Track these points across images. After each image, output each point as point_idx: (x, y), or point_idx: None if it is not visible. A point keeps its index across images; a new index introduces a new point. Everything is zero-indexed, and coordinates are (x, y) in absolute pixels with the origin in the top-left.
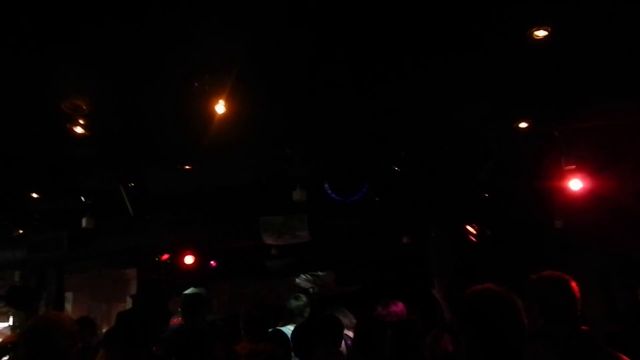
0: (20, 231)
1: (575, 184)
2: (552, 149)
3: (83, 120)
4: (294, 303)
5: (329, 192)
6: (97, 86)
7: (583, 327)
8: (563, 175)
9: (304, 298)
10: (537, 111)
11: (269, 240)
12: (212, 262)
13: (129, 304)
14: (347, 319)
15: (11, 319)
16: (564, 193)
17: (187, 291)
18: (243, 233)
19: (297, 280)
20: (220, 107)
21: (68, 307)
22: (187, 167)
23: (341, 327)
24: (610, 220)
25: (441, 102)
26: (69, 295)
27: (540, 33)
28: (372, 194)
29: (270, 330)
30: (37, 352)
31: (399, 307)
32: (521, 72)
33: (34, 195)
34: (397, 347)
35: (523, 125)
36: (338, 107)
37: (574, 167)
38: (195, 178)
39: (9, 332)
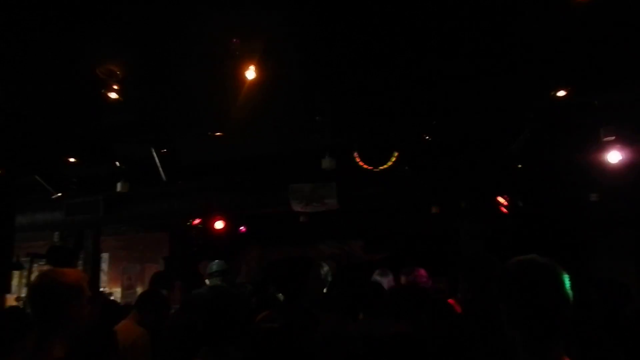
0: (59, 194)
1: (614, 156)
2: (590, 119)
3: (117, 85)
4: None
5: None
6: (131, 52)
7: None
8: (601, 147)
9: (326, 265)
10: (577, 79)
11: (297, 208)
12: (241, 228)
13: (161, 265)
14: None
15: None
16: (601, 165)
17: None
18: (272, 200)
19: (325, 247)
20: (250, 73)
21: (104, 267)
22: (217, 133)
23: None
24: None
25: (476, 70)
26: (105, 255)
27: None
28: (402, 163)
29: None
30: (36, 303)
31: (422, 274)
32: (561, 37)
33: (72, 160)
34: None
35: (561, 93)
36: (369, 77)
37: (613, 138)
38: (226, 146)
39: None
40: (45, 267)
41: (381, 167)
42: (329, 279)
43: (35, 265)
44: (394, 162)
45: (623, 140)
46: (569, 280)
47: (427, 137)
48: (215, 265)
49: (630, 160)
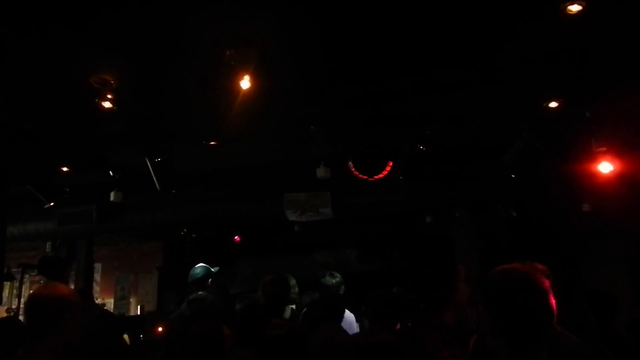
0: (51, 204)
1: (605, 167)
2: (582, 130)
3: (111, 95)
4: (330, 280)
5: (353, 170)
6: (125, 61)
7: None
8: (593, 157)
9: (338, 276)
10: (568, 90)
11: (292, 217)
12: (236, 237)
13: (155, 275)
14: None
15: None
16: (593, 175)
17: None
18: (267, 209)
19: (319, 256)
20: (245, 83)
21: (97, 277)
22: (212, 142)
23: (342, 307)
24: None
25: (469, 80)
26: (97, 266)
27: (574, 8)
28: (396, 173)
29: (304, 310)
30: (32, 314)
31: None
32: (552, 49)
33: (64, 169)
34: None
35: (553, 104)
36: (364, 86)
37: (604, 149)
38: (220, 155)
39: None
40: (37, 278)
41: (375, 177)
42: (341, 291)
43: (27, 276)
44: (388, 171)
45: (614, 150)
46: (559, 290)
47: (421, 147)
48: (198, 270)
49: (621, 170)
